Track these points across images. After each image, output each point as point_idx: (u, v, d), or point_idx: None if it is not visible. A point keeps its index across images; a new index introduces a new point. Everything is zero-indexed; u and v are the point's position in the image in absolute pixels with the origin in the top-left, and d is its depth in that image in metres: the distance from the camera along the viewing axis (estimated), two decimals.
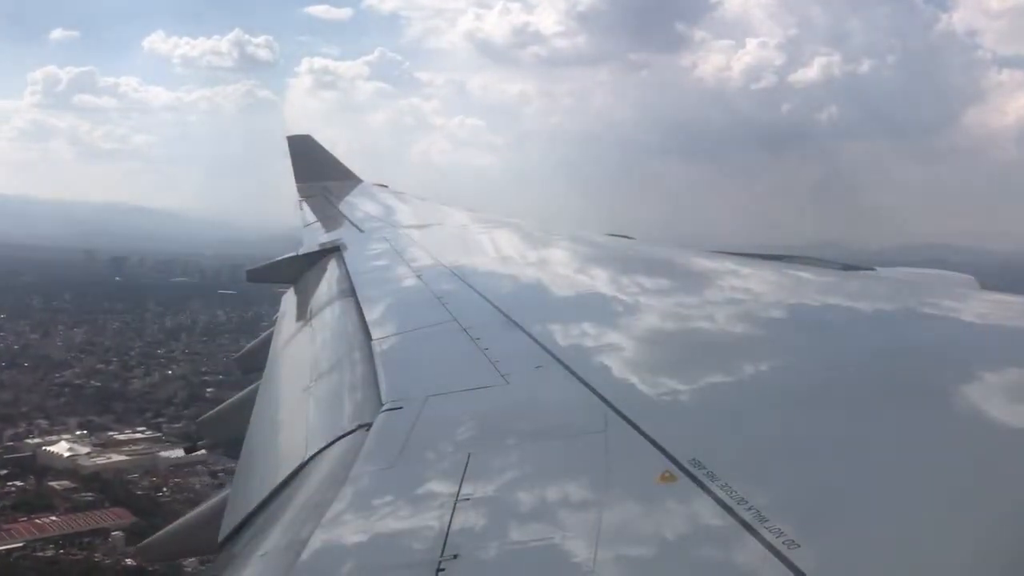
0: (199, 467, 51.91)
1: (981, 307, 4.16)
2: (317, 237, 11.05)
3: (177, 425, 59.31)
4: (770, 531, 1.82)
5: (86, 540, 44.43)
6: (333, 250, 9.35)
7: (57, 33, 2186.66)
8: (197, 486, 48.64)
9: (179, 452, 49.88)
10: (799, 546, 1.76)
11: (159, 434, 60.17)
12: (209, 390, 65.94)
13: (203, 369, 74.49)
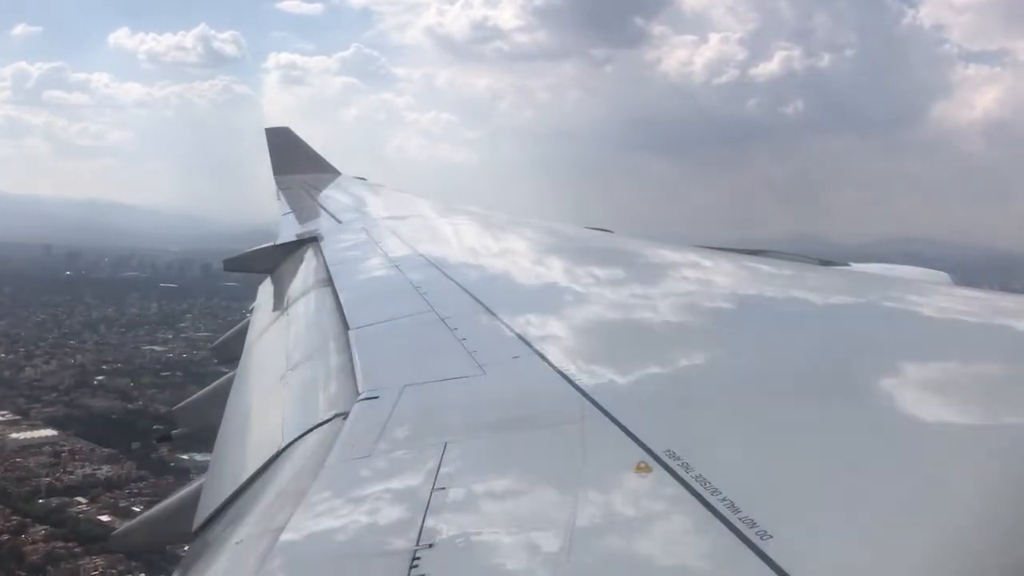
0: (45, 448, 51.96)
1: (951, 303, 4.14)
2: (294, 228, 11.05)
3: (49, 410, 59.20)
4: (743, 521, 1.84)
5: None
6: (311, 240, 9.36)
7: (20, 29, 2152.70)
8: (32, 465, 49.48)
9: (37, 432, 51.80)
10: (771, 536, 1.78)
11: (18, 417, 59.40)
12: (99, 378, 65.40)
13: (108, 359, 73.65)
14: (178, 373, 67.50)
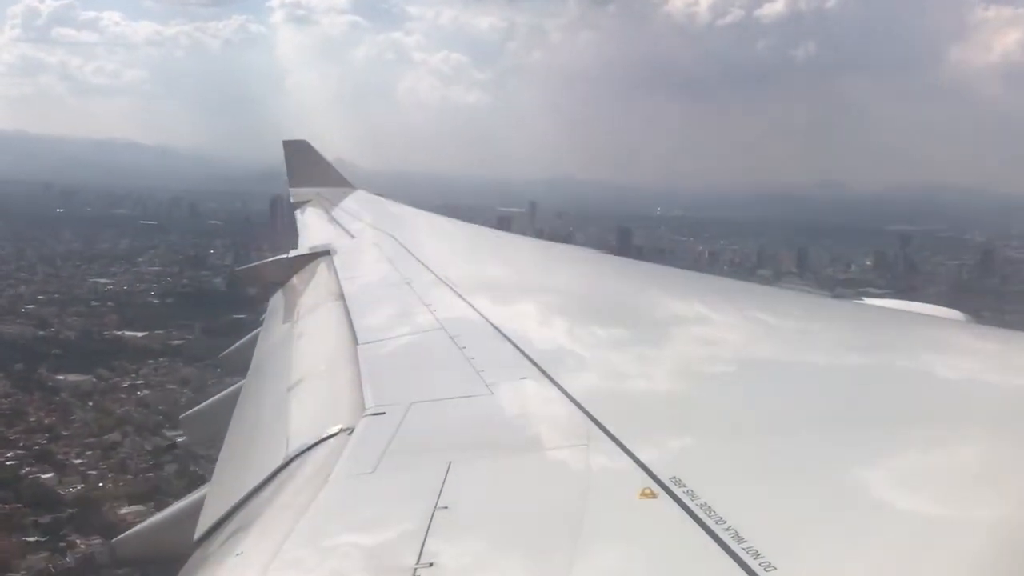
0: None
1: (964, 343, 4.14)
2: (307, 240, 11.17)
3: None
4: (747, 552, 1.82)
5: None
6: (323, 254, 9.45)
7: None
8: None
9: None
10: (775, 568, 1.76)
11: None
12: (29, 307, 66.59)
13: (49, 289, 73.75)
14: (109, 303, 68.96)
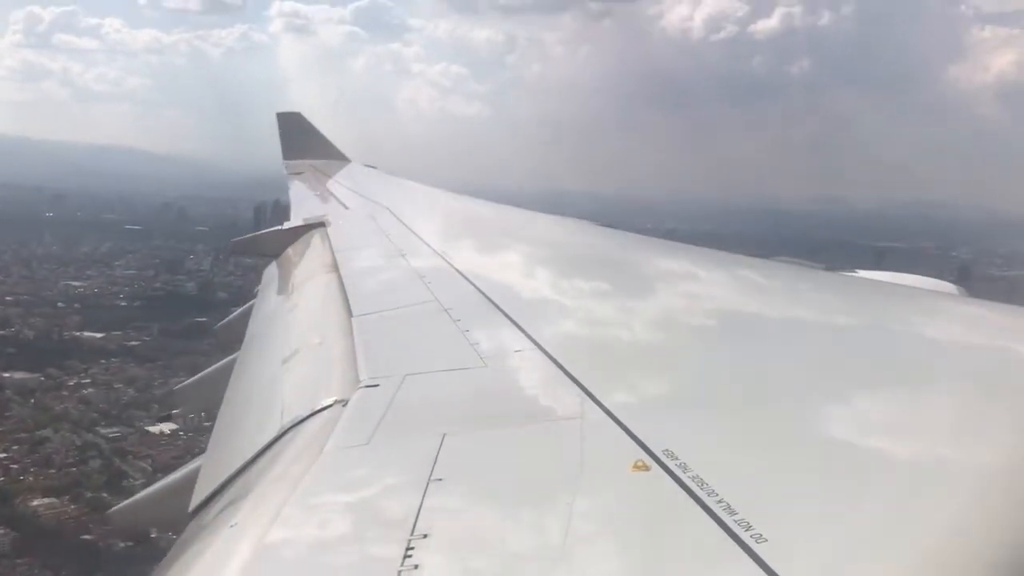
0: None
1: (957, 315, 4.14)
2: (302, 212, 11.08)
3: None
4: (739, 524, 1.84)
5: None
6: (317, 225, 9.41)
7: None
8: None
9: None
10: (766, 540, 1.78)
11: None
12: None
13: (19, 291, 74.21)
14: (75, 305, 69.63)
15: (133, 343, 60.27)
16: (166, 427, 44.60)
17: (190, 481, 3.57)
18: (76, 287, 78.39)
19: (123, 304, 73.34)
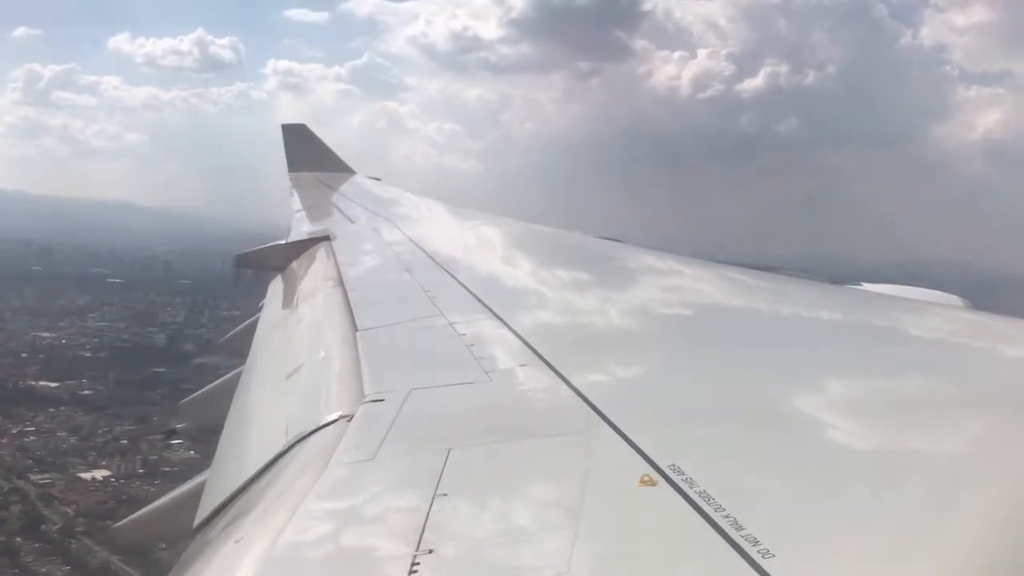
0: None
1: (964, 326, 4.16)
2: (307, 225, 11.10)
3: None
4: (746, 539, 1.84)
5: None
6: (322, 239, 9.40)
7: (20, 31, 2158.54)
8: None
9: None
10: (774, 556, 1.77)
11: None
12: None
13: None
14: (40, 356, 70.43)
15: (86, 392, 61.07)
16: (98, 473, 45.55)
17: (195, 496, 3.58)
18: (44, 338, 79.24)
19: (87, 355, 74.22)
